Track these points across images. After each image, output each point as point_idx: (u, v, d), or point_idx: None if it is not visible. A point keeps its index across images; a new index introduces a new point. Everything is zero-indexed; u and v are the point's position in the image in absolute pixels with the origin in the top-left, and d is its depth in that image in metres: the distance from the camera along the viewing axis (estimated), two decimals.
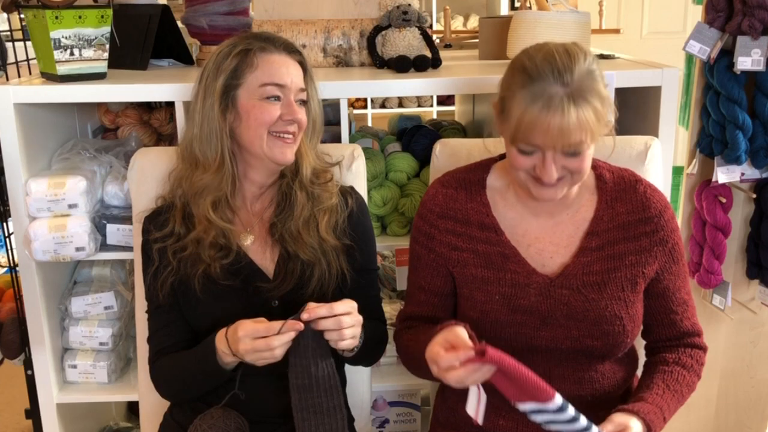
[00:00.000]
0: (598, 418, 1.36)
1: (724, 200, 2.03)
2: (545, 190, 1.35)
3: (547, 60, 1.27)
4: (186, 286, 1.48)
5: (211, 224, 1.48)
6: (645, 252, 1.41)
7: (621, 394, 1.49)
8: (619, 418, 1.30)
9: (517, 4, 4.97)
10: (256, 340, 1.32)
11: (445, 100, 6.32)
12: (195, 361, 1.45)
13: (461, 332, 1.27)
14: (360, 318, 1.38)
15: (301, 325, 1.32)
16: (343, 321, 1.33)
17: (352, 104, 6.22)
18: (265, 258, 1.52)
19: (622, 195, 1.44)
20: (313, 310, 1.33)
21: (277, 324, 1.32)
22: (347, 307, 1.35)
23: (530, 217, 1.45)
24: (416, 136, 2.18)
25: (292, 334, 1.32)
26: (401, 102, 6.46)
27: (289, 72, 1.48)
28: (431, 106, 6.44)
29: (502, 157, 1.51)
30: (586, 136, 1.27)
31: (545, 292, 1.40)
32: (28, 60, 2.22)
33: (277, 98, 1.47)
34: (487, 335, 1.41)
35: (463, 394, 1.49)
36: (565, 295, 1.39)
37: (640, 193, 1.43)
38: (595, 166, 1.47)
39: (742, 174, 1.99)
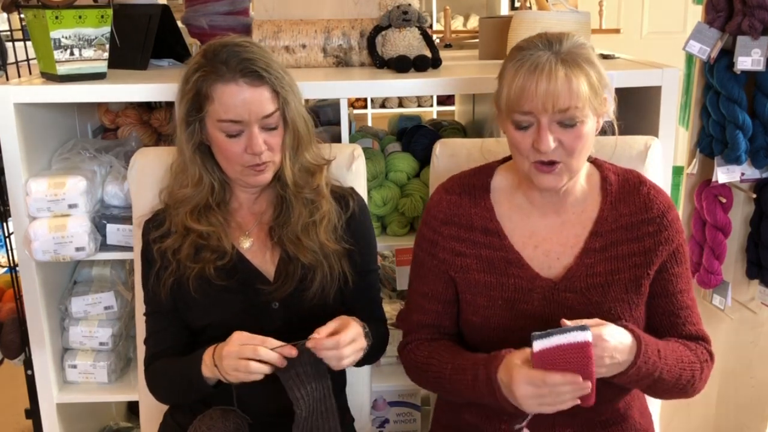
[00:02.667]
0: (600, 423, 1.36)
1: (724, 200, 2.03)
2: (546, 177, 1.34)
3: (539, 35, 1.33)
4: (183, 287, 1.48)
5: (189, 231, 1.48)
6: (649, 252, 1.39)
7: (622, 400, 1.46)
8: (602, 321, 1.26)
9: (517, 4, 4.96)
10: (244, 346, 1.31)
11: (445, 100, 6.31)
12: (183, 369, 1.45)
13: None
14: (364, 343, 1.38)
15: (294, 352, 1.31)
16: (343, 351, 1.33)
17: (352, 104, 6.22)
18: (265, 260, 1.52)
19: (625, 197, 1.43)
20: (320, 341, 1.32)
21: (273, 342, 1.32)
22: (353, 334, 1.35)
23: (537, 217, 1.44)
24: (416, 136, 2.18)
25: (275, 356, 1.30)
26: (401, 102, 6.45)
27: (246, 103, 1.39)
28: (431, 106, 6.44)
29: (506, 160, 1.51)
30: (576, 101, 1.27)
31: (549, 296, 1.39)
32: (28, 60, 2.22)
33: (239, 132, 1.41)
34: (491, 341, 1.39)
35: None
36: (568, 298, 1.38)
37: (643, 195, 1.43)
38: (601, 167, 1.47)
39: (742, 174, 1.99)
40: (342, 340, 1.32)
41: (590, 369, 1.19)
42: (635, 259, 1.39)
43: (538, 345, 1.20)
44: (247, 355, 1.30)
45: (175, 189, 1.52)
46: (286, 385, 1.35)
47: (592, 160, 1.48)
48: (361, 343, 1.37)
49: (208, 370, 1.38)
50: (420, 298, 1.49)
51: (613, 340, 1.23)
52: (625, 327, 1.28)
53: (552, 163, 1.33)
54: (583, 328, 1.19)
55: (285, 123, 1.45)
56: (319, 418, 1.38)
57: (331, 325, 1.35)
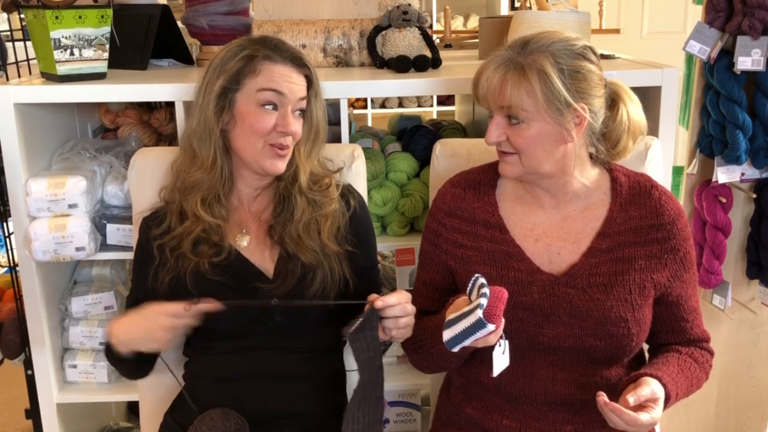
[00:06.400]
0: (601, 422, 1.36)
1: (724, 200, 2.03)
2: (500, 163, 1.42)
3: (522, 37, 1.37)
4: (181, 283, 1.48)
5: (199, 220, 1.48)
6: (655, 258, 1.40)
7: None
8: (655, 386, 1.31)
9: (517, 4, 4.97)
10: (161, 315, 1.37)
11: (445, 100, 6.31)
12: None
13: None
14: (414, 308, 1.36)
15: (219, 305, 1.36)
16: (407, 308, 1.33)
17: (352, 104, 6.22)
18: (264, 258, 1.52)
19: (636, 199, 1.44)
20: (387, 298, 1.31)
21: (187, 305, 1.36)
22: (407, 296, 1.35)
23: (538, 210, 1.46)
24: (416, 136, 2.18)
25: (179, 307, 1.35)
26: (401, 102, 6.45)
27: (290, 82, 1.46)
28: (431, 106, 6.43)
29: None
30: (509, 101, 1.33)
31: (549, 290, 1.40)
32: (28, 60, 2.22)
33: (274, 107, 1.45)
34: None
35: (467, 393, 1.49)
36: (569, 293, 1.39)
37: (655, 199, 1.43)
38: (611, 168, 1.47)
39: (742, 174, 2.00)
40: (400, 298, 1.33)
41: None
42: (641, 262, 1.40)
43: (448, 335, 1.23)
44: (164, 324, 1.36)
45: (183, 176, 1.52)
46: (353, 347, 1.32)
47: (602, 162, 1.47)
48: (413, 307, 1.36)
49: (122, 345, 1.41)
50: (421, 285, 1.55)
51: (660, 414, 1.29)
52: (659, 380, 1.33)
53: (507, 152, 1.40)
54: (483, 324, 1.19)
55: (308, 115, 1.52)
56: (372, 389, 1.36)
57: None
